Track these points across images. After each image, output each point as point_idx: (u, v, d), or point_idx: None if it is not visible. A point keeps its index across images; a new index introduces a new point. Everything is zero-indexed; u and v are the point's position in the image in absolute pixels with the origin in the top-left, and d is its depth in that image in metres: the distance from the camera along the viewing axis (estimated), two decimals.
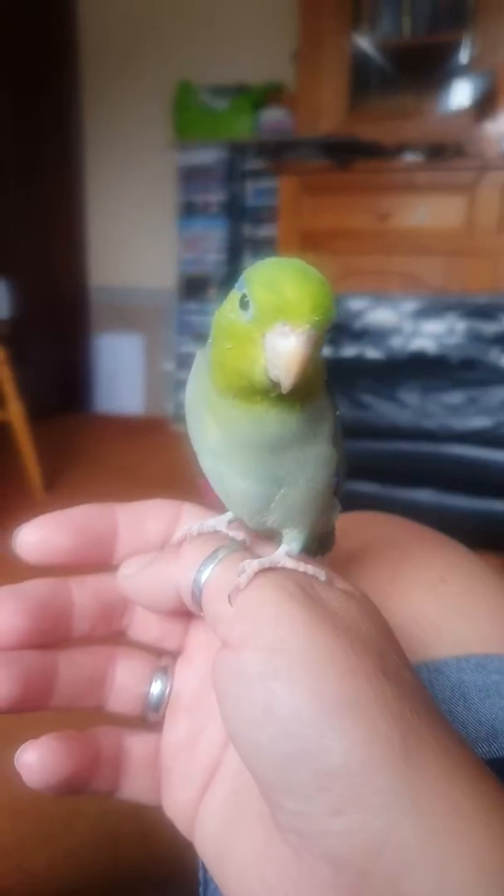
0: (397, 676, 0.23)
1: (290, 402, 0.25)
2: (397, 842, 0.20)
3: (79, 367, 3.36)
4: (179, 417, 3.02)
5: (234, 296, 0.24)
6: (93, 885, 0.90)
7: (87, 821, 0.97)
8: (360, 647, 0.23)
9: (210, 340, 0.26)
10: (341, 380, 1.67)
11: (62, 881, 0.89)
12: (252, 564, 0.25)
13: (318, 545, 0.32)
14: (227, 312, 0.25)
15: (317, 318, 0.22)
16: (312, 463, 0.27)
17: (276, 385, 0.23)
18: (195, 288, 2.96)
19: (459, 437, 1.61)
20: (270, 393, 0.24)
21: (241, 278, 0.24)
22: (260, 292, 0.23)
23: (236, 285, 0.25)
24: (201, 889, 0.32)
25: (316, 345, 0.23)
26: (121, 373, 3.34)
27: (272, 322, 0.23)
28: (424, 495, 1.66)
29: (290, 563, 0.26)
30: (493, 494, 1.63)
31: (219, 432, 0.26)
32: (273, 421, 0.25)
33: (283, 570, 0.26)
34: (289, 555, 0.27)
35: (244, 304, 0.24)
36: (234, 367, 0.24)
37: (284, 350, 0.22)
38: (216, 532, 0.29)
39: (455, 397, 1.62)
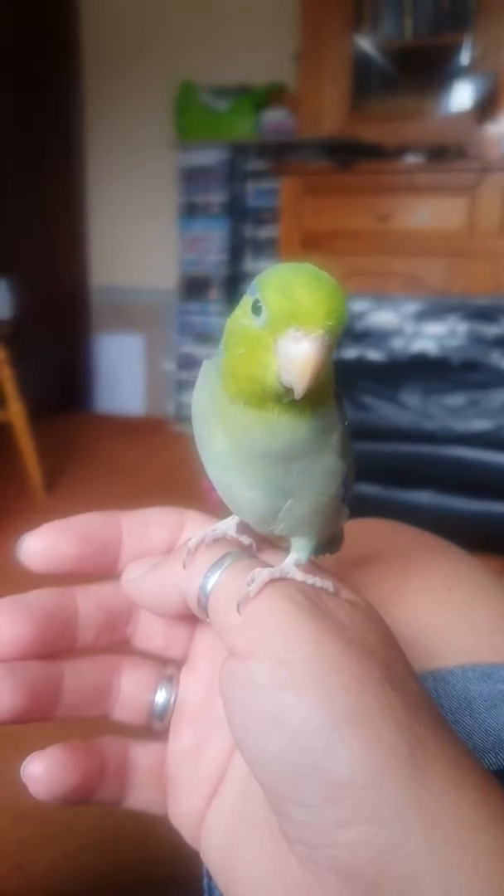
0: (403, 687, 0.23)
1: (300, 409, 0.24)
2: (405, 853, 0.20)
3: (79, 366, 3.36)
4: (180, 418, 3.03)
5: (247, 301, 0.24)
6: (93, 888, 0.90)
7: (87, 823, 0.97)
8: (367, 657, 0.23)
9: (221, 347, 0.26)
10: (343, 381, 1.67)
11: (62, 884, 0.89)
12: (262, 574, 0.25)
13: (327, 545, 0.32)
14: (239, 318, 0.25)
15: (330, 324, 0.22)
16: (320, 475, 0.27)
17: (288, 391, 0.23)
18: (196, 288, 2.96)
19: (460, 438, 1.61)
20: (283, 399, 0.24)
21: (254, 284, 0.24)
22: (272, 297, 0.23)
23: (248, 290, 0.24)
24: None
25: (329, 350, 0.23)
26: (121, 373, 3.34)
27: (285, 327, 0.22)
28: (425, 497, 1.66)
29: (298, 576, 0.26)
30: (493, 496, 1.63)
31: (227, 441, 0.26)
32: (284, 429, 0.25)
33: (292, 580, 0.26)
34: (297, 564, 0.27)
35: (256, 309, 0.23)
36: (246, 373, 0.24)
37: (297, 355, 0.22)
38: (223, 538, 0.29)
39: (456, 399, 1.62)
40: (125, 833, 0.95)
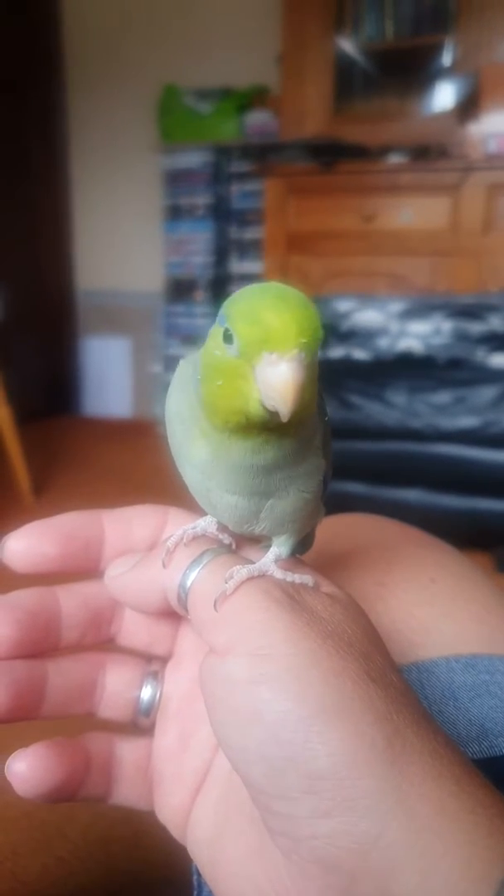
0: (383, 679, 0.23)
1: (285, 428, 0.24)
2: (384, 843, 0.20)
3: (66, 370, 3.35)
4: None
5: (217, 331, 0.23)
6: (86, 892, 0.90)
7: (79, 827, 0.96)
8: (345, 650, 0.23)
9: (198, 377, 0.25)
10: (329, 381, 1.67)
11: (55, 887, 0.89)
12: (241, 572, 0.25)
13: (299, 545, 0.33)
14: (212, 349, 0.24)
15: (304, 341, 0.22)
16: (303, 475, 0.27)
17: (274, 415, 0.22)
18: (182, 290, 2.96)
19: (447, 436, 1.62)
20: (269, 424, 0.23)
21: (221, 313, 0.23)
22: (241, 325, 0.22)
23: (217, 320, 0.24)
24: (195, 893, 0.32)
25: (309, 368, 0.22)
26: (108, 376, 3.33)
27: (258, 353, 0.22)
28: (413, 495, 1.67)
29: (277, 573, 0.26)
30: (480, 493, 1.64)
31: (208, 452, 0.26)
32: (269, 448, 0.25)
33: (271, 577, 0.26)
34: (277, 561, 0.27)
35: (228, 338, 0.23)
36: (227, 406, 0.23)
37: (276, 380, 0.22)
38: (203, 535, 0.29)
39: (442, 397, 1.63)
40: (117, 836, 0.94)
